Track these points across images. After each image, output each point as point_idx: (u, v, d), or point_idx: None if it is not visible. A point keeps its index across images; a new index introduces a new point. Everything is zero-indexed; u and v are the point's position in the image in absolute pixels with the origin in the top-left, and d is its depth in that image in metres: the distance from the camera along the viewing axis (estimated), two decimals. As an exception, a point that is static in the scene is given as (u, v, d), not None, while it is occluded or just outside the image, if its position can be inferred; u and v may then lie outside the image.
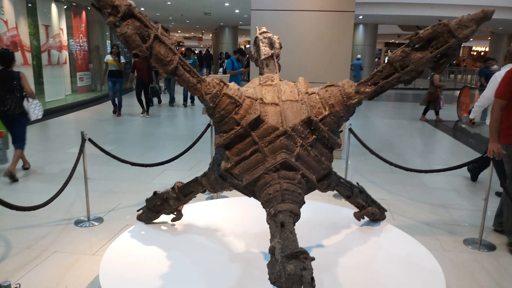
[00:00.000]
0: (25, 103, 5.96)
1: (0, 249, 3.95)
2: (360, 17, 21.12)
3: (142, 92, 12.07)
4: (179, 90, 15.15)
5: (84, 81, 16.05)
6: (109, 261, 3.00)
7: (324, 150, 2.72)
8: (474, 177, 6.47)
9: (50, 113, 11.35)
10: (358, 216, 3.57)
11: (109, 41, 18.38)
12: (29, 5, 12.84)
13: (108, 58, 11.71)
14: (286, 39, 6.08)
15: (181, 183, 3.30)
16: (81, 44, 15.96)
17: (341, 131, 2.94)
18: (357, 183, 3.52)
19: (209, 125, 5.35)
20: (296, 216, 2.39)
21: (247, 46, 35.13)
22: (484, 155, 4.38)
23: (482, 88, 9.54)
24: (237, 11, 21.11)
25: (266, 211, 2.45)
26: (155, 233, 3.43)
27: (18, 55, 10.81)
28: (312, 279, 1.90)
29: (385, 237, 3.47)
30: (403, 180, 6.35)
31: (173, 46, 2.59)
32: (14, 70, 5.94)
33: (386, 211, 3.71)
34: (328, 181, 2.90)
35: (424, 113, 12.40)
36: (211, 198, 5.17)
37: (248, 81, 6.49)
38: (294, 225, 2.31)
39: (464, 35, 2.46)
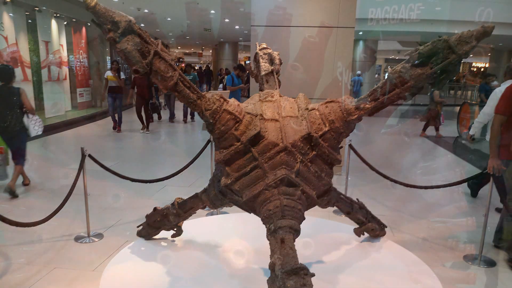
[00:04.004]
0: (25, 119, 5.97)
1: (0, 264, 3.92)
2: (360, 33, 21.24)
3: (142, 108, 12.10)
4: (179, 106, 15.19)
5: (84, 97, 16.10)
6: (109, 277, 2.98)
7: (324, 166, 2.72)
8: (474, 193, 6.46)
9: (50, 129, 11.36)
10: (358, 232, 3.56)
11: (109, 57, 18.47)
12: (29, 21, 12.95)
13: (108, 74, 11.72)
14: (286, 55, 6.13)
15: (181, 199, 3.29)
16: (81, 60, 16.04)
17: (341, 147, 2.94)
18: (357, 199, 3.51)
19: (209, 141, 5.36)
20: (296, 232, 2.38)
21: (247, 62, 35.29)
22: (484, 171, 4.38)
23: (482, 104, 9.56)
24: (237, 27, 21.26)
25: (266, 227, 2.44)
26: (155, 249, 3.41)
27: (18, 71, 10.86)
28: (313, 295, 1.89)
29: (385, 253, 3.45)
30: (403, 196, 6.33)
31: (173, 62, 2.61)
32: (14, 86, 5.95)
33: (386, 227, 3.70)
34: (328, 197, 2.90)
35: (424, 129, 12.41)
36: (211, 214, 5.15)
37: (248, 97, 6.53)
38: (294, 241, 2.31)
39: (464, 51, 2.47)
